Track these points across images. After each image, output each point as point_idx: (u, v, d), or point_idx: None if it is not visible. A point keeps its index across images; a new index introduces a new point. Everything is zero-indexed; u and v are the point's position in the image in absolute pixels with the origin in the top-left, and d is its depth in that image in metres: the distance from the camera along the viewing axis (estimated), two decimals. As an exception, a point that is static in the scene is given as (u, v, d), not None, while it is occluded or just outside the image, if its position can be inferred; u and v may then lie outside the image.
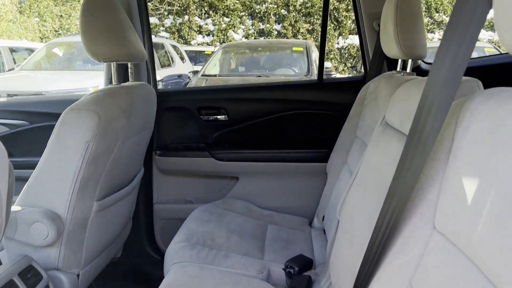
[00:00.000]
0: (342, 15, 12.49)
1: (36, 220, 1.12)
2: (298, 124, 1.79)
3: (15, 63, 7.06)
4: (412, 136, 0.66)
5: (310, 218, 1.68)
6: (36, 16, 13.57)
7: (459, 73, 0.58)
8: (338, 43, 12.75)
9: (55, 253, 1.17)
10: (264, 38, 12.82)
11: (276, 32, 12.97)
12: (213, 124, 1.82)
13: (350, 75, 10.43)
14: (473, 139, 0.58)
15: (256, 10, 13.06)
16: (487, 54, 6.23)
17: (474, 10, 0.56)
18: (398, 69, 1.33)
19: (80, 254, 1.23)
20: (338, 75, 10.05)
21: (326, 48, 12.14)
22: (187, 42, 12.93)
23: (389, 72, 1.38)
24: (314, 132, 1.78)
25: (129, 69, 1.52)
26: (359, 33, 1.66)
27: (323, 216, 1.50)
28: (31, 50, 7.67)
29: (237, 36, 13.07)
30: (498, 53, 6.28)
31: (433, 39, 11.66)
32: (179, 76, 6.92)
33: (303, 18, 12.87)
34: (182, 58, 7.90)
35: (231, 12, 13.09)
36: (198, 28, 13.21)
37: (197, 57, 10.15)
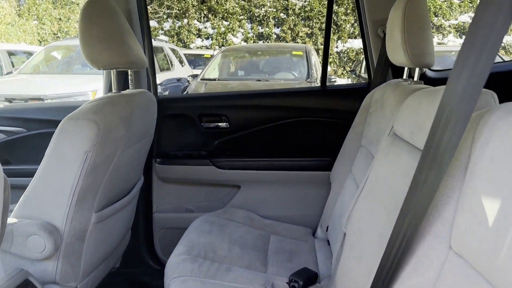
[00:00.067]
0: (341, 19, 12.50)
1: (33, 232, 1.09)
2: (301, 132, 1.75)
3: (13, 66, 7.02)
4: (427, 151, 0.63)
5: (313, 228, 1.65)
6: (34, 19, 13.55)
7: (479, 86, 0.55)
8: (337, 47, 12.76)
9: (52, 266, 1.13)
10: (263, 42, 12.83)
11: (275, 36, 12.97)
12: (214, 131, 1.79)
13: (349, 79, 10.42)
14: (493, 156, 0.55)
15: (255, 14, 13.07)
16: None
17: (495, 18, 0.53)
18: (404, 77, 1.30)
19: (78, 267, 1.20)
20: (337, 79, 10.04)
21: (325, 52, 12.19)
22: (186, 46, 12.93)
23: (395, 80, 1.35)
24: (317, 140, 1.75)
25: (129, 76, 1.49)
26: (363, 39, 1.64)
27: (327, 227, 1.47)
28: (29, 53, 7.63)
29: (236, 39, 13.07)
30: (501, 60, 6.28)
31: (432, 43, 11.64)
32: (178, 79, 6.89)
33: (302, 22, 12.88)
34: (181, 62, 7.87)
35: (230, 15, 13.10)
36: (197, 32, 13.21)
37: (196, 61, 10.14)
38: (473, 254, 0.56)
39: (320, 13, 12.71)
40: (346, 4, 12.54)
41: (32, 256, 1.11)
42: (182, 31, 13.16)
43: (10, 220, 1.12)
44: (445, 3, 12.46)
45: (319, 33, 12.73)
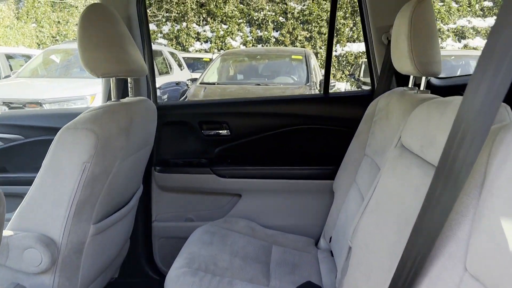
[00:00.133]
0: (340, 23, 12.52)
1: (29, 245, 1.06)
2: (303, 140, 1.73)
3: (11, 70, 6.99)
4: (442, 168, 0.60)
5: (315, 238, 1.62)
6: (33, 22, 13.53)
7: (497, 101, 0.52)
8: (336, 51, 12.77)
9: (49, 280, 1.10)
10: (262, 46, 12.83)
11: (274, 40, 12.98)
12: (215, 139, 1.76)
13: (348, 82, 10.41)
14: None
15: (254, 17, 13.07)
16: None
17: None
18: (410, 85, 1.27)
19: (76, 281, 1.16)
20: (336, 83, 10.02)
21: (324, 56, 12.18)
22: (185, 49, 12.92)
23: (400, 88, 1.32)
24: (320, 148, 1.72)
25: (129, 84, 1.46)
26: (366, 46, 1.61)
27: (330, 237, 1.44)
28: (28, 57, 7.61)
29: (235, 43, 13.07)
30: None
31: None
32: (177, 83, 6.88)
33: (301, 25, 12.89)
34: (180, 65, 7.86)
35: (229, 19, 13.10)
36: (196, 35, 13.21)
37: (195, 64, 10.13)
38: (491, 278, 0.53)
39: (319, 17, 12.73)
40: (345, 8, 12.56)
41: (28, 270, 1.08)
42: (181, 34, 13.16)
43: (6, 232, 1.09)
44: (444, 7, 12.49)
45: (318, 37, 12.75)
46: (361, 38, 12.33)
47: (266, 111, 1.74)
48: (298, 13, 12.91)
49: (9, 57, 7.52)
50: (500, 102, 0.52)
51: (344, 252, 1.15)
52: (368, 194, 1.04)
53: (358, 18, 12.49)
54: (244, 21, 13.20)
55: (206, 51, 12.78)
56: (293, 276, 1.27)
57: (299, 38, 12.85)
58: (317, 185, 1.65)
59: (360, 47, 12.64)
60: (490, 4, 12.69)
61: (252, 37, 13.09)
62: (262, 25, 13.09)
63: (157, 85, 1.75)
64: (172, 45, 12.81)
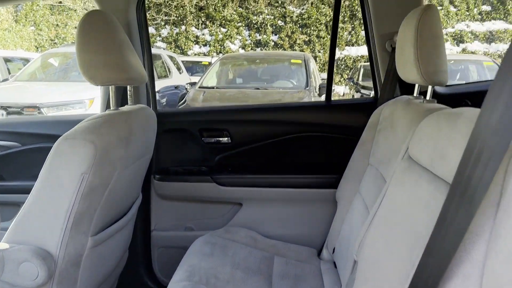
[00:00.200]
0: (339, 27, 12.53)
1: (25, 259, 1.03)
2: (305, 148, 1.70)
3: (9, 73, 6.96)
4: (456, 187, 0.58)
5: (317, 248, 1.59)
6: (32, 25, 13.52)
7: None
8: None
9: None
10: (261, 49, 12.83)
11: (272, 43, 12.98)
12: (215, 146, 1.73)
13: (347, 86, 10.41)
14: None
15: (253, 21, 13.09)
16: (486, 68, 6.21)
17: None
18: (415, 94, 1.24)
19: (73, 294, 1.13)
20: (335, 86, 10.01)
21: (323, 59, 12.18)
22: (183, 52, 12.92)
23: (405, 97, 1.30)
24: (322, 156, 1.69)
25: (128, 91, 1.43)
26: (369, 54, 1.59)
27: (334, 248, 1.41)
28: (26, 60, 7.58)
29: (234, 46, 13.08)
30: (498, 67, 6.27)
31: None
32: (176, 87, 6.85)
33: (300, 29, 12.90)
34: (179, 69, 7.84)
35: (228, 22, 13.11)
36: (195, 38, 13.22)
37: (193, 67, 10.13)
38: None
39: (317, 21, 12.75)
40: (344, 12, 12.58)
41: (24, 284, 1.04)
42: (180, 37, 13.16)
43: (1, 245, 1.06)
44: (442, 11, 12.53)
45: (316, 41, 12.76)
46: (360, 42, 12.36)
47: (267, 119, 1.71)
48: (296, 16, 12.93)
49: (7, 60, 7.50)
50: None
51: (349, 265, 1.12)
52: (374, 207, 1.02)
53: (357, 22, 12.52)
54: (243, 25, 13.22)
55: (205, 55, 12.78)
56: None
57: (298, 41, 12.87)
58: (320, 194, 1.62)
59: (358, 51, 12.66)
60: (488, 8, 12.74)
61: (251, 40, 13.10)
62: (261, 29, 13.10)
63: (156, 89, 1.72)
64: (171, 49, 12.81)
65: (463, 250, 0.60)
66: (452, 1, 12.79)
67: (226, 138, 1.71)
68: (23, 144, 1.74)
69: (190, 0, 12.87)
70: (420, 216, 0.76)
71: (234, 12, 13.17)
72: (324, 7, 12.82)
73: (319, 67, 12.20)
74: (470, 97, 1.55)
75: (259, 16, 13.12)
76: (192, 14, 13.19)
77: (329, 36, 12.65)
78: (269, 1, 13.13)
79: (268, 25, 13.02)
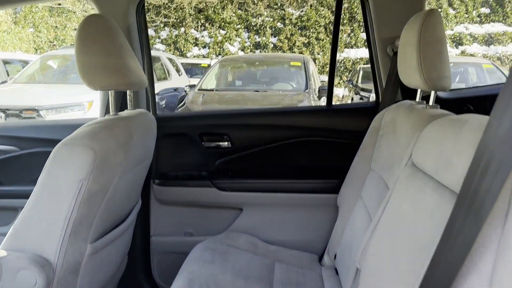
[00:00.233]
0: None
1: (22, 267, 1.01)
2: (306, 152, 1.68)
3: (8, 75, 6.94)
4: (463, 198, 0.57)
5: (318, 253, 1.58)
6: (31, 27, 13.50)
7: None
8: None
9: None
10: (260, 51, 12.83)
11: (272, 45, 12.98)
12: (216, 151, 1.71)
13: (346, 88, 10.41)
14: None
15: (252, 23, 13.09)
16: (486, 71, 6.21)
17: None
18: (417, 99, 1.23)
19: (72, 302, 1.12)
20: (334, 89, 10.00)
21: (322, 61, 12.16)
22: (183, 54, 12.91)
23: (407, 102, 1.29)
24: (323, 161, 1.68)
25: (128, 96, 1.42)
26: (371, 58, 1.58)
27: (335, 255, 1.39)
28: (25, 62, 7.56)
29: (233, 48, 13.07)
30: (497, 69, 6.27)
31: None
32: (175, 89, 6.84)
33: (299, 31, 12.90)
34: (178, 71, 7.83)
35: (227, 24, 13.11)
36: (194, 40, 13.20)
37: (193, 70, 10.12)
38: None
39: (316, 23, 12.76)
40: (343, 14, 12.58)
41: None
42: (179, 39, 13.15)
43: (-1, 253, 1.04)
44: (441, 13, 12.54)
45: (315, 43, 12.76)
46: (359, 44, 12.35)
47: (268, 123, 1.70)
48: (296, 19, 12.93)
49: (6, 62, 7.47)
50: None
51: (351, 272, 1.11)
52: (377, 214, 1.00)
53: (356, 25, 12.53)
54: (242, 27, 13.21)
55: (204, 57, 12.77)
56: None
57: (297, 44, 12.87)
58: (321, 199, 1.61)
59: (358, 53, 12.66)
60: (487, 10, 12.76)
61: (250, 42, 13.09)
62: (260, 31, 13.10)
63: (155, 91, 1.70)
64: (170, 51, 12.80)
65: (470, 262, 0.58)
66: (451, 3, 12.81)
67: (226, 143, 1.70)
68: (21, 149, 1.72)
69: (189, 2, 12.87)
70: (425, 225, 0.75)
71: (233, 14, 13.17)
72: (323, 9, 12.83)
73: (318, 69, 12.20)
74: (472, 101, 1.54)
75: (258, 18, 13.12)
76: (191, 16, 13.19)
77: (328, 39, 12.66)
78: (268, 3, 13.14)
79: (267, 27, 13.02)
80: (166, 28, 13.27)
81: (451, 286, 0.59)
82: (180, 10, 13.11)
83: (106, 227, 1.21)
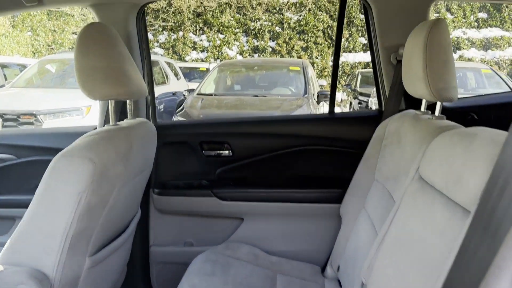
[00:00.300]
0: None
1: (20, 282, 0.98)
2: (308, 161, 1.66)
3: (6, 79, 6.90)
4: (479, 219, 0.55)
5: (321, 265, 1.55)
6: (29, 31, 13.46)
7: None
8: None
9: None
10: (258, 55, 12.83)
11: (270, 49, 12.98)
12: (216, 160, 1.69)
13: (344, 93, 10.40)
14: None
15: (251, 27, 13.09)
16: (484, 76, 6.21)
17: None
18: (422, 109, 1.21)
19: (70, 317, 1.09)
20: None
21: (320, 65, 12.13)
22: (181, 58, 12.89)
23: (411, 111, 1.27)
24: (325, 170, 1.65)
25: (128, 105, 1.39)
26: (374, 66, 1.56)
27: (338, 266, 1.37)
28: (23, 66, 7.52)
29: (231, 52, 13.06)
30: (496, 74, 6.28)
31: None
32: (174, 93, 6.82)
33: (297, 35, 12.91)
34: (176, 75, 7.81)
35: (225, 28, 13.11)
36: (192, 44, 13.19)
37: (191, 74, 10.11)
38: None
39: (315, 27, 12.77)
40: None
41: None
42: (177, 43, 13.14)
43: (-5, 267, 1.02)
44: (447, 23, 12.58)
45: (314, 47, 12.77)
46: (357, 48, 12.34)
47: (269, 131, 1.67)
48: (294, 23, 12.95)
49: (3, 66, 7.44)
50: None
51: (356, 286, 1.09)
52: (383, 228, 0.98)
53: (354, 29, 12.55)
54: (241, 31, 13.22)
55: (202, 61, 12.76)
56: None
57: (296, 48, 12.87)
58: (323, 209, 1.59)
59: (356, 57, 12.68)
60: (485, 15, 12.81)
61: (249, 46, 13.09)
62: (258, 35, 13.10)
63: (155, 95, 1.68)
64: (168, 54, 12.79)
65: (485, 285, 0.56)
66: (448, 8, 12.85)
67: (227, 151, 1.68)
68: (18, 157, 1.69)
69: (188, 6, 12.87)
70: (435, 243, 0.73)
71: (232, 18, 13.18)
72: (321, 14, 12.85)
73: (317, 73, 12.20)
74: (476, 110, 1.53)
75: (256, 22, 13.13)
76: (190, 20, 13.19)
77: (326, 43, 12.67)
78: (266, 8, 13.15)
79: (266, 31, 13.03)
80: (164, 32, 13.26)
81: None
82: (179, 14, 13.11)
83: (105, 239, 1.19)
